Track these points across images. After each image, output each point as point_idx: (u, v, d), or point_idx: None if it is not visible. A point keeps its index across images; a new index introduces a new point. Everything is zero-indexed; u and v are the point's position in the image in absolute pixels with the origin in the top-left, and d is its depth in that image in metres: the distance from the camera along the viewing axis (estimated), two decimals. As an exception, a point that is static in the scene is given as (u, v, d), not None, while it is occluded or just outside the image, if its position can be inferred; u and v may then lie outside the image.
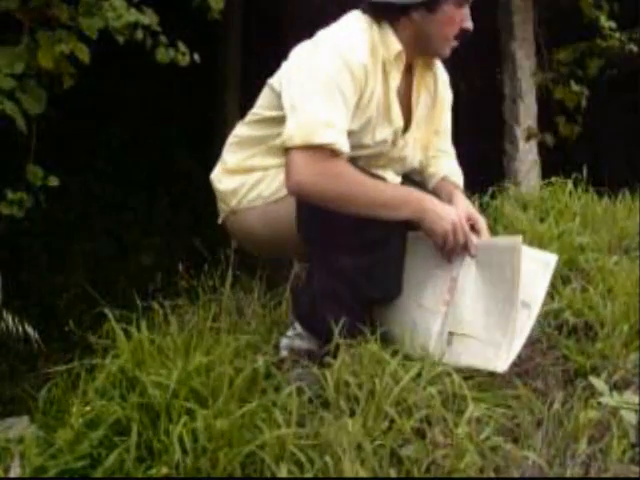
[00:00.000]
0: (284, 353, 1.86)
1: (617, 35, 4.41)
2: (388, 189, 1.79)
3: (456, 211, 1.80)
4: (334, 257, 1.76)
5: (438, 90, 2.01)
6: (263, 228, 1.92)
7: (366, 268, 1.75)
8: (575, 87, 4.49)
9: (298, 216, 1.81)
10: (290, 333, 1.90)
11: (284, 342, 1.90)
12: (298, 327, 1.88)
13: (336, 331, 1.69)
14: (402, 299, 1.84)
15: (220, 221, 2.06)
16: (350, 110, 1.76)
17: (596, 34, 4.46)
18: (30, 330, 3.03)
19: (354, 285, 1.76)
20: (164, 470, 1.43)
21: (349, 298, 1.77)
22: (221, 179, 1.98)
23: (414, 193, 1.79)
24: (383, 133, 1.86)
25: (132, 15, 2.77)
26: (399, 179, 2.00)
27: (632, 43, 4.49)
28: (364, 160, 1.86)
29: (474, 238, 1.79)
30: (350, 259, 1.75)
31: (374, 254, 1.75)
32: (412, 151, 1.98)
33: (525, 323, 1.75)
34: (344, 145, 1.72)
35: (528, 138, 4.60)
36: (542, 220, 2.75)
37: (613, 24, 4.36)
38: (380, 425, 1.49)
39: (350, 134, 1.76)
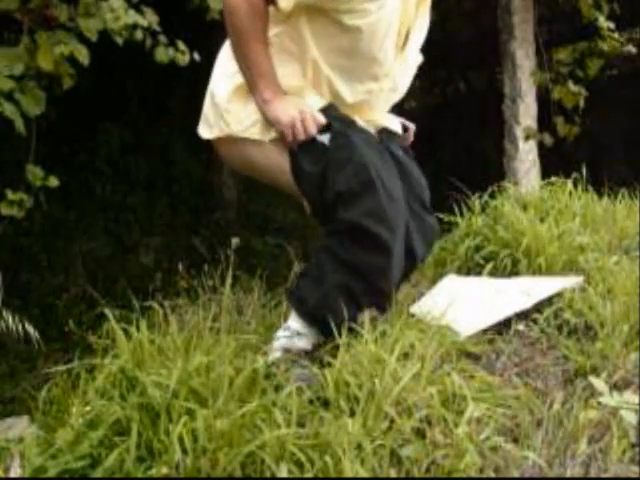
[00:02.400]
0: (277, 354, 1.83)
1: (616, 36, 4.40)
2: (271, 68, 1.84)
3: (301, 106, 1.84)
4: (343, 246, 1.79)
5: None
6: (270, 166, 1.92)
7: (381, 263, 1.79)
8: (573, 87, 4.49)
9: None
10: (283, 333, 1.87)
11: (276, 344, 1.87)
12: (297, 326, 1.86)
13: (344, 326, 1.72)
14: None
15: (211, 137, 2.00)
16: None
17: (596, 34, 4.46)
18: (30, 330, 3.03)
19: (367, 279, 1.80)
20: (164, 470, 1.43)
21: (361, 292, 1.81)
22: (232, 99, 1.93)
23: (280, 84, 1.86)
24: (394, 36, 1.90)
25: (130, 17, 2.75)
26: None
27: (630, 44, 4.49)
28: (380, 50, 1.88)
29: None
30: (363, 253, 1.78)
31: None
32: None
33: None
34: (286, 6, 1.77)
35: (527, 138, 4.59)
36: (542, 220, 2.75)
37: (612, 25, 4.35)
38: (380, 425, 1.49)
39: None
